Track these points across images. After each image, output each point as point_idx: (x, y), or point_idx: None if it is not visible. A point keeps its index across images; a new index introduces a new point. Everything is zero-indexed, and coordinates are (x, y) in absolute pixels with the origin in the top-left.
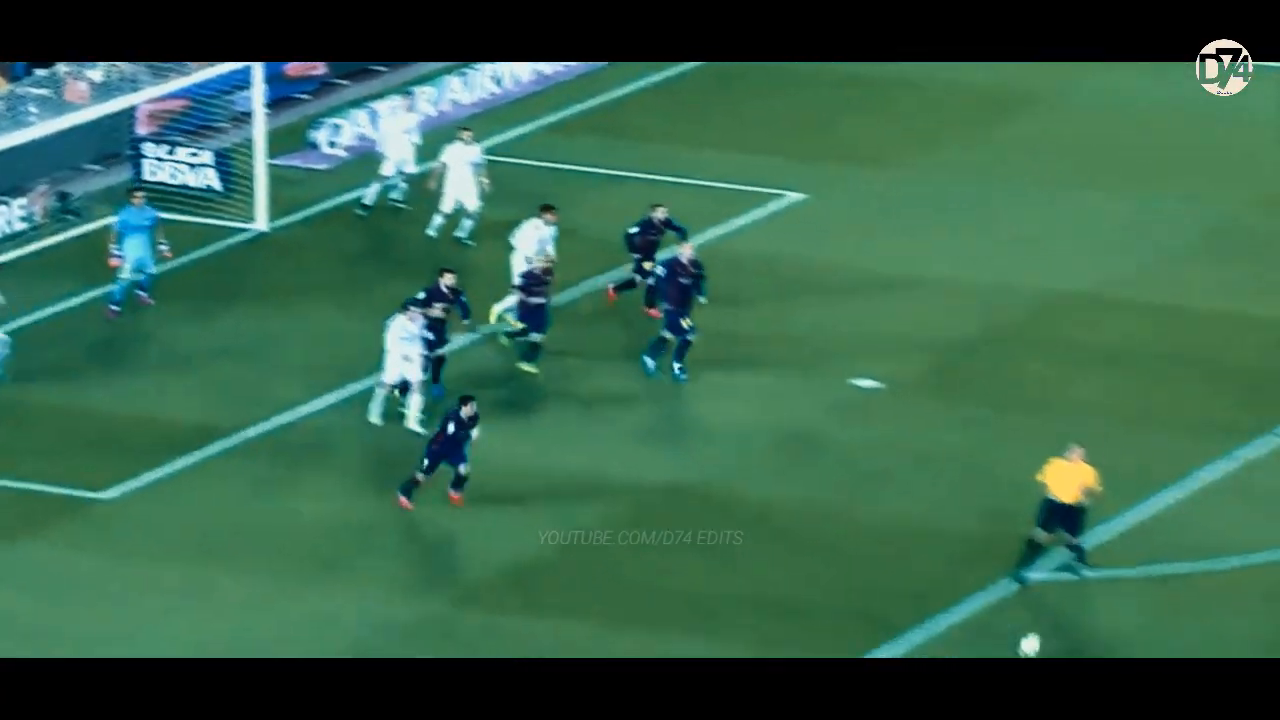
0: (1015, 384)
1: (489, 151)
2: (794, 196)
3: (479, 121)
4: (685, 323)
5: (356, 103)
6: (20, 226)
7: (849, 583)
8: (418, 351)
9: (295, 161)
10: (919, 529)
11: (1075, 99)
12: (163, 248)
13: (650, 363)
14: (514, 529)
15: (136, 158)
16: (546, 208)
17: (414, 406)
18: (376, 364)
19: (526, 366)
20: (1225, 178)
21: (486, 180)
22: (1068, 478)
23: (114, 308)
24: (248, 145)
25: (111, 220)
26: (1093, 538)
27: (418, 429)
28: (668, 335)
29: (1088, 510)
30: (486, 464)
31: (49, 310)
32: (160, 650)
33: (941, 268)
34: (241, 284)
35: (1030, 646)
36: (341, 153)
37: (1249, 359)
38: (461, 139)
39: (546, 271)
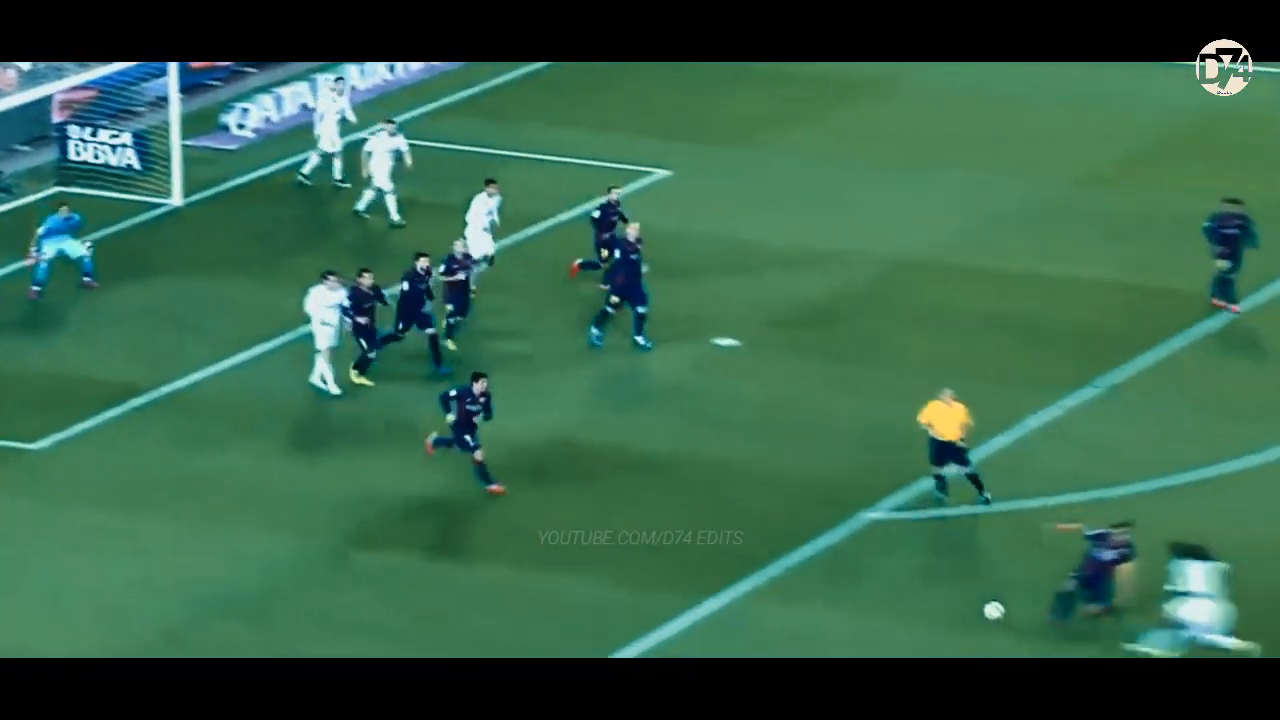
0: (857, 342)
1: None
2: (660, 173)
3: (376, 106)
4: (615, 300)
5: (263, 89)
6: None
7: (714, 521)
8: (335, 318)
9: (207, 143)
10: (774, 472)
11: (910, 87)
12: (88, 244)
13: (595, 332)
14: (412, 474)
15: (62, 139)
16: (489, 181)
17: (320, 365)
18: (280, 328)
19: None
20: (1041, 158)
21: (409, 163)
22: (947, 418)
23: (35, 288)
24: (164, 128)
25: (39, 199)
26: (928, 480)
27: (325, 387)
28: (610, 310)
29: (963, 447)
30: (407, 419)
31: None
32: (85, 584)
33: (791, 238)
34: (159, 255)
35: (994, 611)
36: (249, 134)
37: (1067, 318)
38: (385, 129)
39: (467, 256)
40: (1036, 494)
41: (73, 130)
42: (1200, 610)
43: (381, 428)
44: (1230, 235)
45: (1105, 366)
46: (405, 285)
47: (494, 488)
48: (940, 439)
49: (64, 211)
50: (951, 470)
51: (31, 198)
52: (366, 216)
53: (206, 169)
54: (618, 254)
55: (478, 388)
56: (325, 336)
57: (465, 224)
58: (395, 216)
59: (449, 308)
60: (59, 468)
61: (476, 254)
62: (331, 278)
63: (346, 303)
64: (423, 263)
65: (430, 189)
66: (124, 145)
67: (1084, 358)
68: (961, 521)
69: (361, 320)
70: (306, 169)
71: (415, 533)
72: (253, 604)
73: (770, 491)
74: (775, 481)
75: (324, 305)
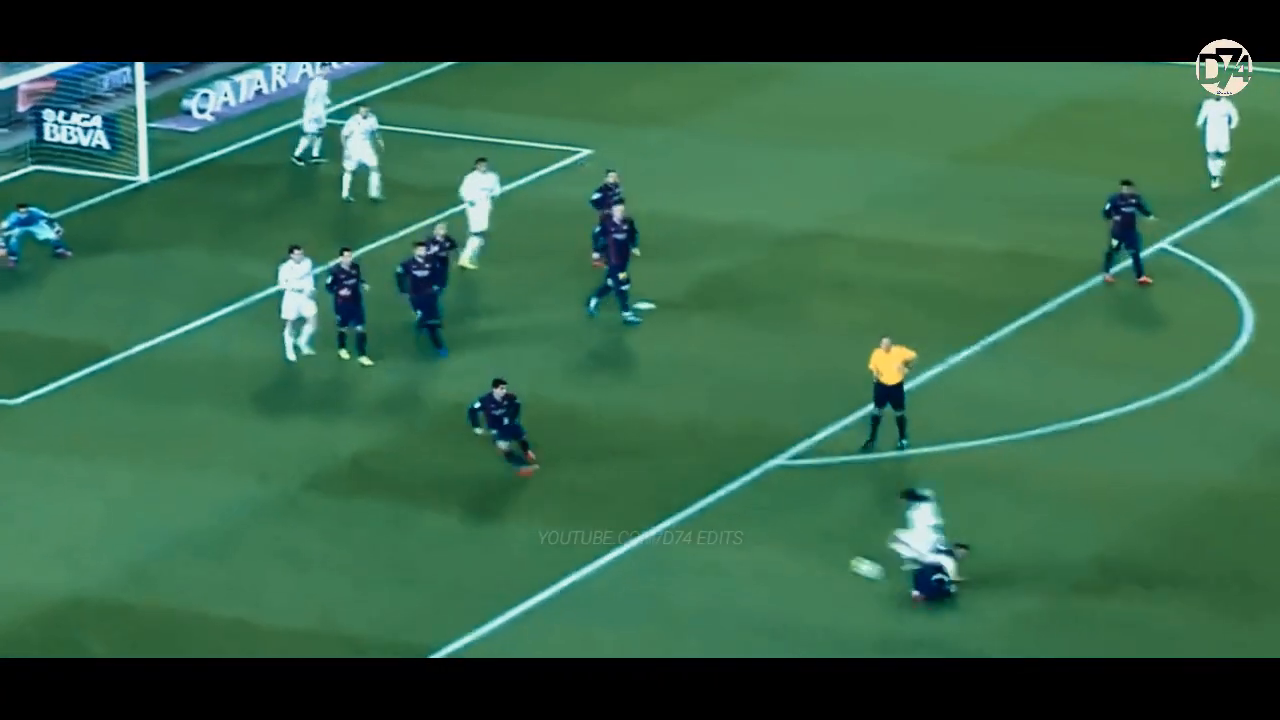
0: (762, 305)
1: (335, 115)
2: (583, 152)
3: (295, 100)
4: (622, 275)
5: (221, 75)
6: None
7: (637, 471)
8: (309, 286)
9: (170, 125)
10: (688, 425)
11: (808, 75)
12: (58, 229)
13: (593, 303)
14: (365, 425)
15: (38, 121)
16: (480, 159)
17: (305, 333)
18: (239, 293)
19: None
20: (925, 138)
21: (382, 143)
22: (888, 363)
23: (11, 258)
24: (131, 112)
25: (15, 177)
26: (831, 431)
27: (307, 350)
28: (609, 284)
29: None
30: (366, 382)
31: None
32: (57, 526)
33: (701, 210)
34: (126, 227)
35: (868, 569)
36: (209, 118)
37: (951, 283)
38: (360, 113)
39: (447, 238)
40: (926, 443)
41: (47, 114)
42: (918, 539)
43: (340, 389)
44: (1127, 214)
45: (988, 328)
46: (402, 270)
47: (524, 470)
48: (884, 383)
49: (22, 211)
50: (885, 410)
51: (9, 175)
52: (351, 200)
53: (170, 149)
54: (599, 231)
55: (498, 393)
56: (290, 307)
57: (462, 201)
58: (376, 193)
59: (435, 287)
60: (35, 421)
61: (476, 228)
62: (296, 251)
63: (329, 280)
64: (419, 251)
65: (393, 170)
66: (94, 127)
67: (969, 320)
68: (859, 469)
69: (344, 294)
70: (315, 150)
71: (371, 481)
72: (215, 543)
73: (688, 442)
74: (693, 432)
75: (293, 277)
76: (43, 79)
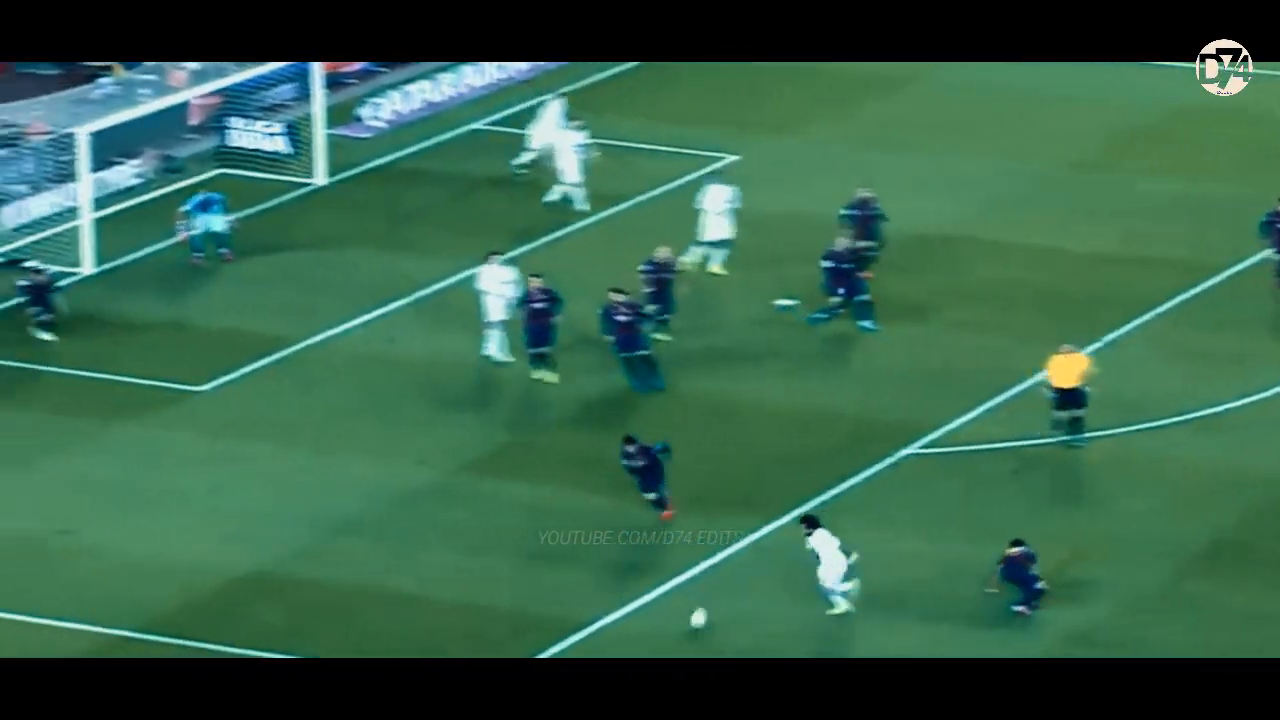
0: (893, 303)
1: (500, 122)
2: (730, 158)
3: (490, 100)
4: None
5: (392, 85)
6: (132, 182)
7: (775, 458)
8: (507, 293)
9: (345, 132)
10: (824, 414)
11: (937, 83)
12: (232, 218)
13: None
14: (518, 415)
15: (224, 128)
16: (715, 170)
17: (497, 338)
18: (405, 290)
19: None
20: (1044, 143)
21: (596, 154)
22: (1066, 368)
23: (197, 255)
24: (309, 119)
25: (203, 180)
26: (960, 422)
27: (501, 357)
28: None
29: (1087, 390)
30: (514, 375)
31: (153, 248)
32: (235, 505)
33: (834, 211)
34: (303, 227)
35: (697, 619)
36: (381, 124)
37: (1071, 283)
38: (572, 125)
39: (667, 261)
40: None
41: (234, 121)
42: (830, 568)
43: (497, 384)
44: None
45: (1108, 327)
46: (603, 313)
47: (667, 514)
48: (1062, 387)
49: (203, 196)
50: (1069, 414)
51: (199, 178)
52: (585, 208)
53: (345, 153)
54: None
55: (629, 449)
56: (494, 310)
57: (701, 213)
58: (583, 206)
59: (655, 307)
60: (215, 408)
61: (715, 237)
62: (494, 256)
63: (521, 295)
64: (617, 298)
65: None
66: (276, 134)
67: (1089, 319)
68: (986, 458)
69: (536, 309)
70: (522, 160)
71: (522, 468)
72: (378, 523)
73: (824, 430)
74: (828, 421)
75: (494, 281)
76: (212, 94)
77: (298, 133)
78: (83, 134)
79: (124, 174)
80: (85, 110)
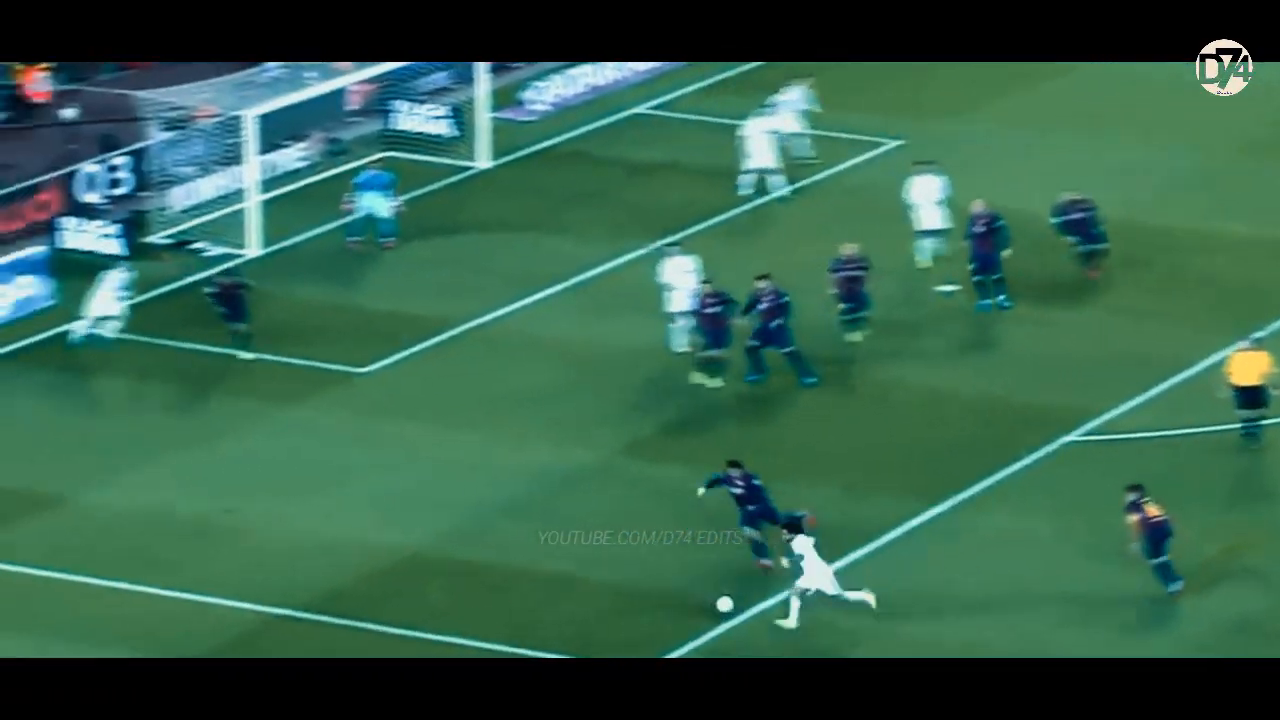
0: (1054, 289)
1: (663, 106)
2: (892, 143)
3: (654, 84)
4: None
5: (555, 69)
6: (298, 165)
7: (932, 443)
8: (689, 284)
9: (509, 115)
10: (983, 400)
11: (1091, 71)
12: (397, 203)
13: (986, 301)
14: (679, 399)
15: (389, 112)
16: (922, 161)
17: (677, 331)
18: (564, 273)
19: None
20: (1209, 130)
21: (789, 145)
22: (1248, 366)
23: (354, 239)
24: (473, 102)
25: (368, 162)
26: (1120, 410)
27: (683, 349)
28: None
29: (1267, 389)
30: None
31: (318, 230)
32: (395, 487)
33: (995, 198)
34: (466, 209)
35: (723, 604)
36: (545, 108)
37: (1233, 271)
38: (761, 114)
39: (851, 258)
40: (1210, 423)
41: (399, 104)
42: (814, 574)
43: (662, 376)
44: None
45: (1265, 316)
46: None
47: (763, 563)
48: (1242, 385)
49: (376, 168)
50: (1248, 414)
51: (363, 160)
52: (789, 196)
53: (508, 137)
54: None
55: (733, 473)
56: (677, 301)
57: (911, 206)
58: (783, 191)
59: (845, 305)
60: (374, 390)
61: (928, 226)
62: (674, 247)
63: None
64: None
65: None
66: (440, 117)
67: (1247, 307)
68: (1146, 446)
69: (709, 312)
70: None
71: (682, 448)
72: (538, 504)
73: (983, 416)
74: (988, 407)
75: (676, 272)
76: (371, 80)
77: (462, 116)
78: (250, 117)
79: (290, 156)
80: (253, 93)
